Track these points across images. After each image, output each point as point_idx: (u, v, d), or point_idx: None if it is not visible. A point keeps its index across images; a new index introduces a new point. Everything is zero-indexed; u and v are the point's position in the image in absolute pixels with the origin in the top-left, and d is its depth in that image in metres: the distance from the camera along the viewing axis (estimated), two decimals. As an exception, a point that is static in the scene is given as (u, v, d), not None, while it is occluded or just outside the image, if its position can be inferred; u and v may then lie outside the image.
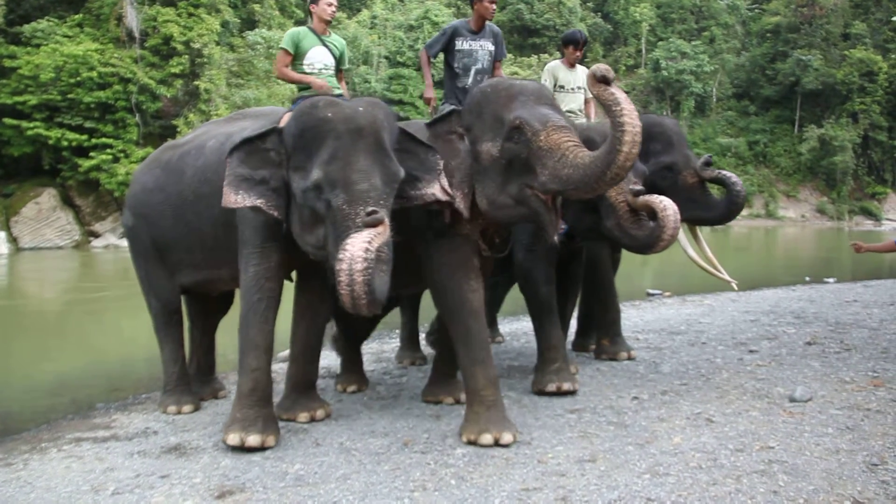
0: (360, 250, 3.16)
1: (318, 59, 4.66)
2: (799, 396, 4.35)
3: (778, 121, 51.07)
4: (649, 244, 4.41)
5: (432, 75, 5.19)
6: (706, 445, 3.58)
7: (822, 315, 7.86)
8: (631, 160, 3.42)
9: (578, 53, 5.72)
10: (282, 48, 4.65)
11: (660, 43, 49.80)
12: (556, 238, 3.93)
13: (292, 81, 4.75)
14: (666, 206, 4.28)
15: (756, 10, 55.66)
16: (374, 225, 3.28)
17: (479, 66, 5.02)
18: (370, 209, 3.40)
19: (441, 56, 5.17)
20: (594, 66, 3.45)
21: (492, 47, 5.08)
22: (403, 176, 3.73)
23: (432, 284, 4.17)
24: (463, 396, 4.67)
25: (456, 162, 3.98)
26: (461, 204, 3.89)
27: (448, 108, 4.72)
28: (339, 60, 4.80)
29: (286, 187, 3.86)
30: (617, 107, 3.37)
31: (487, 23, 5.09)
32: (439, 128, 4.09)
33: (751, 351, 5.90)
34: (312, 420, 4.36)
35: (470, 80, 4.97)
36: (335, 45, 4.76)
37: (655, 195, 4.41)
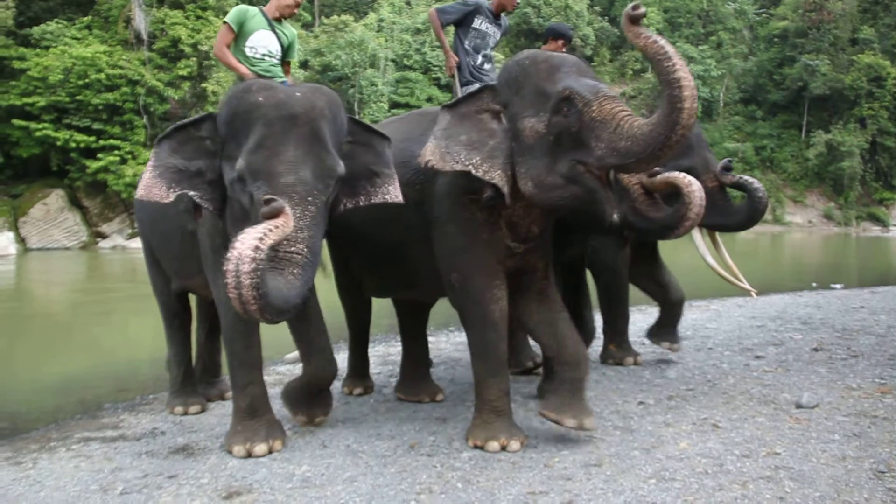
0: (248, 248, 2.81)
1: (263, 43, 4.40)
2: (805, 402, 4.34)
3: (785, 126, 51.02)
4: (672, 225, 4.15)
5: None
6: (712, 451, 3.57)
7: (829, 321, 7.83)
8: (693, 117, 3.09)
9: (562, 49, 5.42)
10: (225, 23, 4.35)
11: (667, 47, 49.78)
12: (615, 217, 3.54)
13: (225, 64, 4.44)
14: (690, 181, 4.03)
15: (764, 15, 55.63)
16: (271, 216, 2.94)
17: (487, 50, 4.88)
18: (267, 197, 3.07)
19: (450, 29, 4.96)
20: (627, 8, 3.14)
21: (499, 37, 4.98)
22: (343, 172, 3.48)
23: (449, 287, 3.96)
24: (440, 396, 4.77)
25: (494, 142, 3.61)
26: (506, 187, 3.55)
27: (472, 86, 4.52)
28: (286, 51, 4.58)
29: (222, 179, 3.60)
30: (668, 61, 3.04)
31: (502, 15, 4.99)
32: (467, 107, 3.72)
33: (757, 357, 5.88)
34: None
35: (478, 61, 4.80)
36: (285, 34, 4.53)
37: (672, 172, 4.14)
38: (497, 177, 3.54)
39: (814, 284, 12.89)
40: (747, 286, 5.26)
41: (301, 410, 4.14)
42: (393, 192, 3.82)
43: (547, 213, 3.81)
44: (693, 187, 4.01)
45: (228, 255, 2.85)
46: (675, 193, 4.13)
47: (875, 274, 16.77)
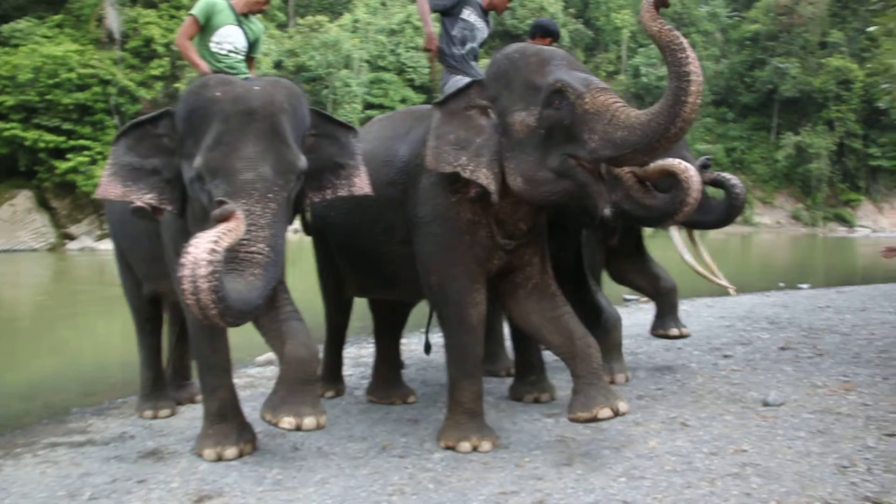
0: (203, 252, 2.74)
1: (230, 39, 4.30)
2: (772, 401, 4.41)
3: (755, 128, 51.63)
4: (671, 212, 4.06)
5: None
6: (681, 449, 3.62)
7: (796, 320, 7.95)
8: (695, 112, 3.06)
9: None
10: (191, 15, 4.22)
11: (640, 49, 50.13)
12: (607, 211, 3.54)
13: (185, 56, 4.30)
14: (687, 166, 3.97)
15: (735, 18, 56.17)
16: (223, 219, 2.87)
17: (475, 43, 4.78)
18: (218, 199, 3.03)
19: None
20: None
21: (486, 35, 4.90)
22: (304, 167, 3.41)
23: (427, 287, 3.94)
24: (412, 398, 4.78)
25: (482, 139, 3.57)
26: (492, 186, 3.50)
27: (458, 81, 4.45)
28: (252, 46, 4.47)
29: (181, 178, 3.50)
30: (682, 52, 2.98)
31: (490, 13, 4.92)
32: (456, 103, 3.67)
33: (725, 356, 5.95)
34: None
35: (465, 51, 4.72)
36: (251, 29, 4.43)
37: (667, 159, 4.01)
38: (482, 175, 3.50)
39: (781, 284, 13.08)
40: (726, 283, 5.30)
41: (285, 411, 3.39)
42: (359, 184, 3.77)
43: (536, 209, 3.78)
44: (690, 172, 3.96)
45: (183, 259, 2.77)
46: (670, 180, 4.07)
47: (841, 274, 17.04)
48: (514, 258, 3.87)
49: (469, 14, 4.71)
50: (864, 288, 12.35)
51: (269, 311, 3.54)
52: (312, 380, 3.50)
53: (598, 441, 3.81)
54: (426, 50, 4.81)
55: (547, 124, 3.40)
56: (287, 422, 3.34)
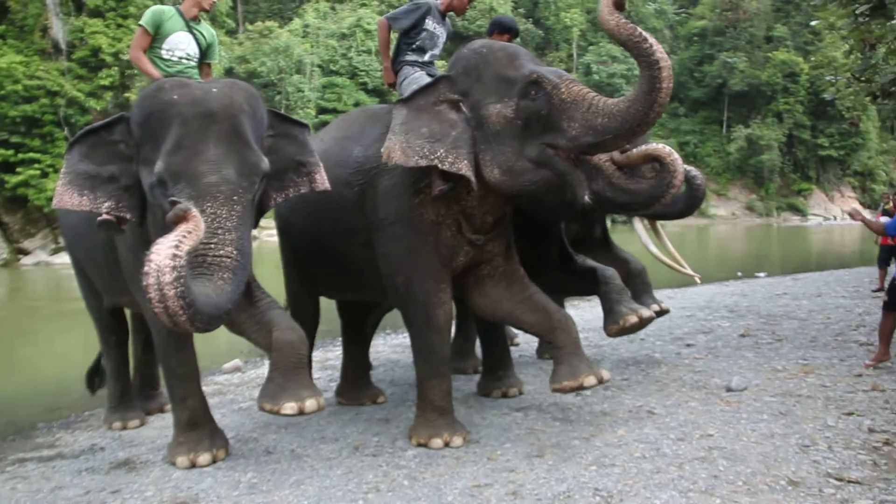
0: (166, 258, 2.69)
1: (180, 46, 4.23)
2: (735, 386, 4.51)
3: (707, 122, 52.44)
4: (658, 195, 4.00)
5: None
6: (649, 436, 3.69)
7: (755, 308, 8.13)
8: (668, 97, 3.20)
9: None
10: (140, 26, 4.13)
11: (591, 47, 50.64)
12: (586, 198, 3.59)
13: (140, 69, 4.20)
14: (670, 150, 3.96)
15: (683, 15, 57.04)
16: (178, 221, 2.81)
17: (436, 51, 4.75)
18: (171, 199, 3.01)
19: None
20: None
21: (445, 39, 4.87)
22: (267, 168, 3.39)
23: (392, 288, 3.96)
24: (381, 399, 4.81)
25: (456, 133, 3.58)
26: (472, 177, 3.53)
27: (417, 77, 4.44)
28: (204, 52, 4.40)
29: (139, 185, 3.43)
30: (646, 43, 3.11)
31: (447, 15, 4.90)
32: (423, 98, 3.68)
33: (688, 345, 6.07)
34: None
35: (425, 59, 4.67)
36: (202, 35, 4.36)
37: (649, 144, 4.04)
38: (464, 167, 3.53)
39: (739, 274, 13.35)
40: (690, 272, 5.38)
41: (286, 398, 3.35)
42: (320, 180, 3.78)
43: (504, 201, 3.81)
44: (674, 155, 3.97)
45: (146, 268, 2.71)
46: (653, 165, 4.07)
47: (796, 262, 17.40)
48: (482, 252, 3.92)
49: (431, 23, 4.70)
50: (818, 274, 12.68)
51: (247, 308, 3.52)
52: (305, 363, 3.48)
53: (568, 432, 3.87)
54: (389, 85, 4.80)
55: (524, 115, 3.47)
56: (289, 407, 3.29)
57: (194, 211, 2.87)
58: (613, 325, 4.45)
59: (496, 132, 3.54)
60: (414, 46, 4.62)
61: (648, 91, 3.19)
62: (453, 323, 4.65)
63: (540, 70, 3.51)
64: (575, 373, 3.71)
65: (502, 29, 5.12)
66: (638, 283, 5.53)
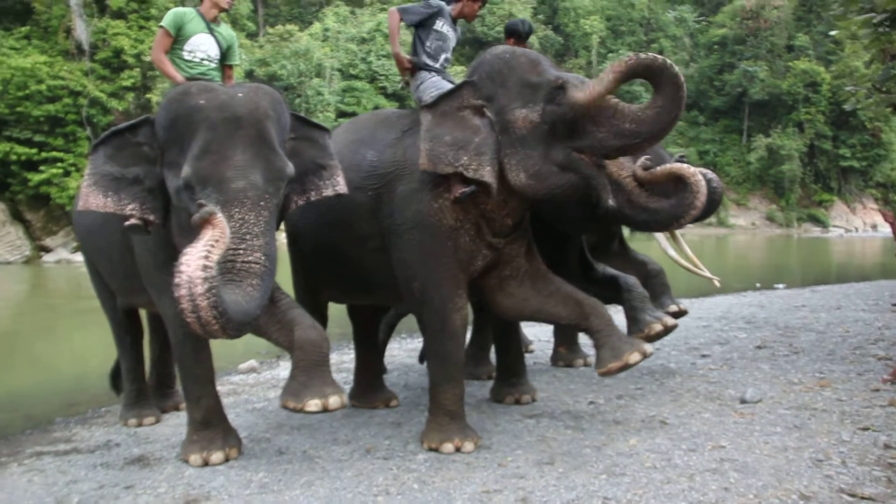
0: (197, 269, 2.74)
1: (202, 47, 4.23)
2: (749, 398, 4.49)
3: (727, 131, 52.07)
4: (678, 215, 4.09)
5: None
6: (660, 446, 3.68)
7: (772, 320, 8.07)
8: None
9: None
10: (161, 27, 4.13)
11: (610, 55, 50.34)
12: (611, 202, 3.68)
13: (162, 71, 4.19)
14: (695, 171, 4.03)
15: (703, 23, 56.72)
16: (204, 223, 2.86)
17: (447, 55, 4.73)
18: (199, 202, 3.03)
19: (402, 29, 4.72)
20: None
21: (454, 43, 4.84)
22: (292, 173, 3.42)
23: (409, 293, 3.99)
24: (394, 402, 4.82)
25: (479, 139, 3.65)
26: (495, 183, 3.61)
27: (436, 82, 4.43)
28: (225, 54, 4.40)
29: (163, 187, 3.47)
30: (656, 62, 3.34)
31: (458, 21, 4.86)
32: (448, 104, 3.73)
33: (703, 355, 6.04)
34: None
35: (439, 64, 4.65)
36: (223, 36, 4.36)
37: (674, 163, 4.16)
38: (487, 174, 3.59)
39: (757, 285, 13.25)
40: (709, 275, 5.35)
41: (309, 395, 3.34)
42: (341, 184, 3.81)
43: (525, 205, 3.88)
44: (698, 177, 4.02)
45: (176, 279, 2.76)
46: (676, 184, 4.12)
47: (816, 274, 17.23)
48: (501, 254, 3.96)
49: (442, 25, 4.70)
50: (838, 287, 12.55)
51: (268, 309, 3.51)
52: (327, 361, 3.50)
53: (580, 440, 3.86)
54: (402, 72, 4.75)
55: (550, 119, 3.55)
56: (313, 404, 3.28)
57: (219, 215, 2.90)
58: (638, 334, 4.47)
59: (522, 137, 3.62)
60: (428, 50, 4.60)
61: (673, 98, 3.37)
62: (468, 329, 4.66)
63: (565, 76, 3.61)
64: (618, 353, 3.77)
65: (508, 33, 5.24)
66: (656, 284, 5.53)
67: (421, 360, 5.32)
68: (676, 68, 3.39)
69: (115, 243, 4.06)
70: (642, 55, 3.38)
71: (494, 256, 3.94)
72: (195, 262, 2.74)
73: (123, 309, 4.73)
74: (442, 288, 3.84)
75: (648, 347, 3.82)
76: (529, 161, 3.61)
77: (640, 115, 3.45)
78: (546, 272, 4.10)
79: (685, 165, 4.08)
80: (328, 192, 3.79)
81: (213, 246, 2.80)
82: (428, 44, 4.63)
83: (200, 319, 2.79)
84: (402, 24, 4.67)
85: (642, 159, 4.20)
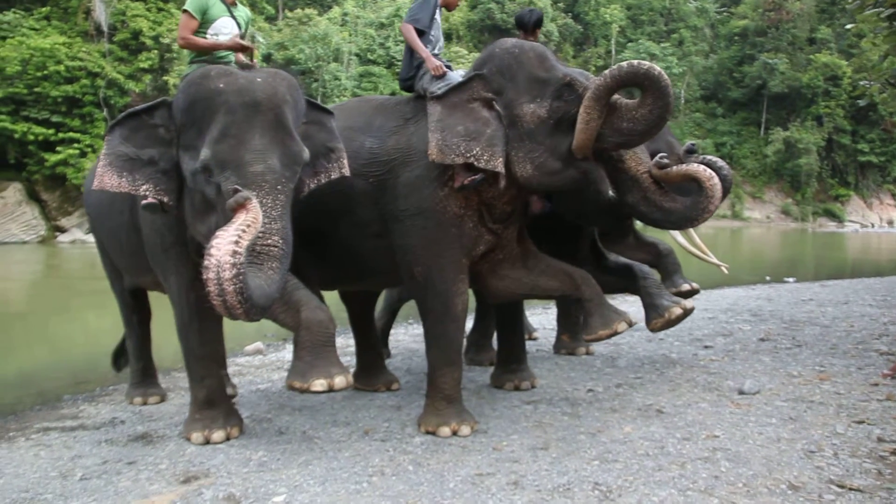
0: (227, 254, 2.77)
1: (224, 30, 4.18)
2: (747, 389, 4.52)
3: (745, 123, 51.83)
4: (691, 217, 4.10)
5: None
6: (654, 434, 3.73)
7: (778, 313, 8.08)
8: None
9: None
10: (186, 11, 4.08)
11: (629, 44, 50.27)
12: (611, 192, 3.87)
13: (201, 48, 4.10)
14: (711, 174, 4.03)
15: (724, 14, 56.37)
16: (238, 207, 2.89)
17: (441, 43, 4.69)
18: (232, 187, 3.05)
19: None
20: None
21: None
22: (308, 158, 3.45)
23: (411, 278, 4.03)
24: (395, 385, 4.88)
25: (491, 131, 3.72)
26: (503, 173, 3.71)
27: (451, 75, 4.35)
28: (242, 35, 4.36)
29: (177, 169, 3.49)
30: (642, 68, 3.49)
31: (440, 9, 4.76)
32: (458, 96, 3.78)
33: (706, 346, 6.07)
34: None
35: (437, 51, 4.60)
36: (241, 18, 4.35)
37: (690, 164, 4.16)
38: (499, 164, 3.69)
39: (767, 278, 13.22)
40: (717, 261, 5.36)
41: (315, 375, 3.34)
42: (346, 166, 3.85)
43: (525, 193, 4.00)
44: (714, 180, 4.03)
45: (206, 262, 2.79)
46: (691, 185, 4.13)
47: (828, 268, 17.17)
48: (500, 239, 4.05)
49: (437, 15, 4.64)
50: (847, 281, 12.52)
51: None
52: (333, 341, 3.50)
53: (575, 427, 3.91)
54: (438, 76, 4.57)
55: (557, 115, 3.68)
56: (319, 384, 3.29)
57: (255, 201, 2.93)
58: (658, 319, 4.57)
59: (530, 131, 3.72)
60: (431, 37, 4.55)
61: (661, 97, 3.53)
62: (469, 315, 4.71)
63: (573, 73, 3.73)
64: (607, 321, 3.99)
65: (518, 24, 5.17)
66: (668, 264, 5.60)
67: None
68: (651, 67, 3.51)
69: (122, 223, 4.12)
70: (620, 68, 3.53)
71: (494, 241, 4.02)
72: (225, 247, 2.77)
73: (130, 289, 4.78)
74: (445, 273, 3.90)
75: (629, 317, 4.04)
76: (535, 154, 3.72)
77: (635, 113, 3.58)
78: (535, 251, 4.22)
79: (701, 168, 4.08)
80: (336, 175, 3.83)
81: (244, 231, 2.83)
82: (430, 34, 4.57)
83: (226, 303, 2.82)
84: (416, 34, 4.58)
85: (658, 157, 4.20)
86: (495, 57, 3.85)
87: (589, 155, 3.68)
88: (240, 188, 3.02)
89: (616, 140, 3.66)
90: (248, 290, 2.84)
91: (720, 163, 4.95)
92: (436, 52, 4.64)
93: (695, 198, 4.05)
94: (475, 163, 3.64)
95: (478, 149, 3.66)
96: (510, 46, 3.86)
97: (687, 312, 4.65)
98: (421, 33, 4.54)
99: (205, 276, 2.79)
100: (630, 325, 4.04)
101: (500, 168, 3.68)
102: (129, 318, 4.90)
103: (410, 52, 4.46)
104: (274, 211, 3.19)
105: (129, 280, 4.71)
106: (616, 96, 3.61)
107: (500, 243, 4.07)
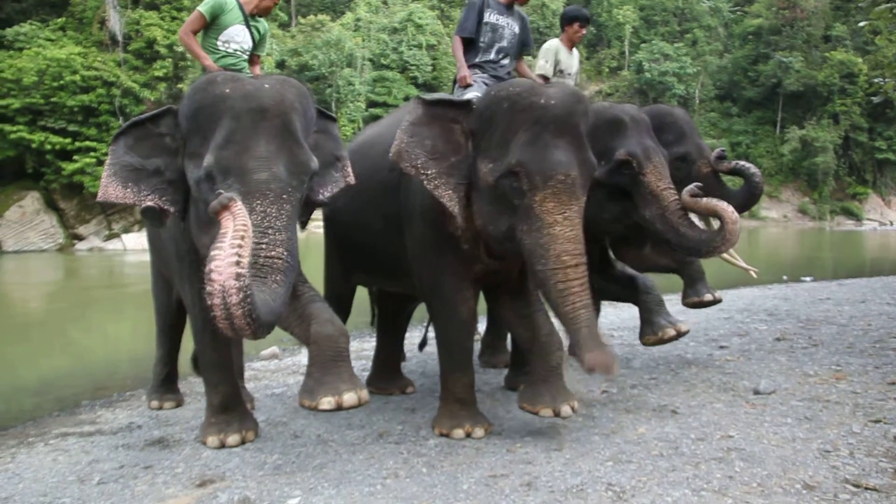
0: (230, 278, 2.60)
1: (236, 39, 4.22)
2: (763, 389, 4.49)
3: (760, 122, 51.56)
4: (703, 250, 4.12)
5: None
6: (669, 435, 3.71)
7: (794, 312, 8.03)
8: None
9: (583, 31, 5.41)
10: (198, 10, 4.11)
11: (643, 45, 50.16)
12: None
13: (189, 49, 4.14)
14: (736, 218, 4.02)
15: (738, 13, 56.13)
16: (221, 210, 2.71)
17: (503, 43, 4.62)
18: (218, 190, 2.94)
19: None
20: None
21: (517, 30, 4.73)
22: (316, 167, 3.30)
23: (419, 281, 4.04)
24: (410, 389, 4.90)
25: (456, 160, 3.57)
26: (455, 209, 3.53)
27: (469, 93, 4.35)
28: (256, 45, 4.41)
29: (184, 179, 3.38)
30: None
31: (516, 6, 4.77)
32: (442, 111, 3.63)
33: (721, 347, 6.04)
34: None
35: (492, 56, 4.57)
36: (258, 29, 4.36)
37: (721, 201, 4.12)
38: (447, 196, 3.52)
39: (784, 278, 13.13)
40: (745, 265, 5.33)
41: (323, 392, 3.18)
42: (351, 174, 3.81)
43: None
44: (737, 225, 4.00)
45: (209, 287, 2.62)
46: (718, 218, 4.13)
47: (846, 267, 17.04)
48: (497, 271, 3.94)
49: (490, 14, 4.59)
50: (865, 280, 12.41)
51: (290, 302, 3.37)
52: (345, 356, 3.32)
53: (589, 428, 3.91)
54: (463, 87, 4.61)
55: (501, 191, 3.44)
56: (326, 402, 3.12)
57: (238, 203, 2.75)
58: (651, 336, 4.67)
59: (481, 188, 3.54)
60: (481, 45, 4.52)
61: None
62: (481, 318, 4.71)
63: (525, 160, 3.36)
64: (535, 399, 3.80)
65: (573, 18, 5.30)
66: (693, 272, 5.44)
67: (420, 347, 5.44)
68: None
69: (168, 235, 4.00)
70: None
71: (493, 265, 3.88)
72: (227, 270, 2.60)
73: (178, 301, 4.59)
74: (448, 278, 3.88)
75: (565, 410, 3.73)
76: (483, 212, 3.56)
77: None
78: (528, 295, 4.00)
79: (730, 209, 4.04)
80: (343, 184, 3.79)
81: (240, 246, 2.64)
82: (481, 38, 4.56)
83: (234, 326, 2.69)
84: (461, 39, 4.61)
85: (692, 186, 4.17)
86: (486, 98, 3.66)
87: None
88: (222, 191, 2.89)
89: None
90: (257, 311, 2.71)
91: (753, 168, 4.96)
92: (491, 57, 4.60)
93: (713, 234, 4.08)
94: (426, 182, 3.51)
95: (434, 170, 3.52)
96: (504, 95, 3.52)
97: (680, 334, 4.78)
98: (470, 42, 4.53)
99: (209, 302, 2.64)
100: (556, 414, 3.71)
101: (447, 200, 3.51)
102: (164, 330, 4.86)
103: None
104: (279, 221, 3.06)
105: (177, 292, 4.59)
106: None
107: (499, 272, 3.95)
